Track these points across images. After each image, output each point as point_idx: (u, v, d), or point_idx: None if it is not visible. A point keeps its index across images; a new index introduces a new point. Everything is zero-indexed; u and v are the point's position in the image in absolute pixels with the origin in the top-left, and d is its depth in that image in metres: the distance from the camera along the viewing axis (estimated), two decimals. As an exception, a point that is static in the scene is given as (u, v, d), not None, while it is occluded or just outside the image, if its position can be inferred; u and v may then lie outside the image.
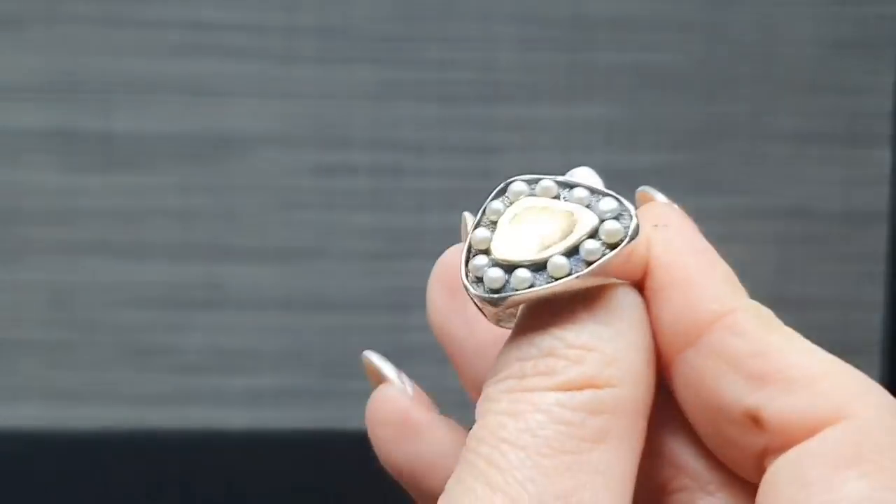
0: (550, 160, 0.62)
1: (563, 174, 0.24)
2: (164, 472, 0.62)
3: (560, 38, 0.61)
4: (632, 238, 0.22)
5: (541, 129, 0.62)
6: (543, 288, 0.22)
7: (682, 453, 0.24)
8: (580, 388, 0.22)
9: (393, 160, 0.62)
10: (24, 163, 0.61)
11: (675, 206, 0.25)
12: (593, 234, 0.22)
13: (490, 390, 0.22)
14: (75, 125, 0.61)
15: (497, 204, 0.23)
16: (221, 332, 0.63)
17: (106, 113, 0.61)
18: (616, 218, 0.22)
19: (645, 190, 0.26)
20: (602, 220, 0.22)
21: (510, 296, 0.22)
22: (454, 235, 0.70)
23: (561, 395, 0.21)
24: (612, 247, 0.22)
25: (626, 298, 0.23)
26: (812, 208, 0.63)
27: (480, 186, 0.63)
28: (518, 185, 0.23)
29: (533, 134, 0.62)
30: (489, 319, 0.23)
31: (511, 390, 0.22)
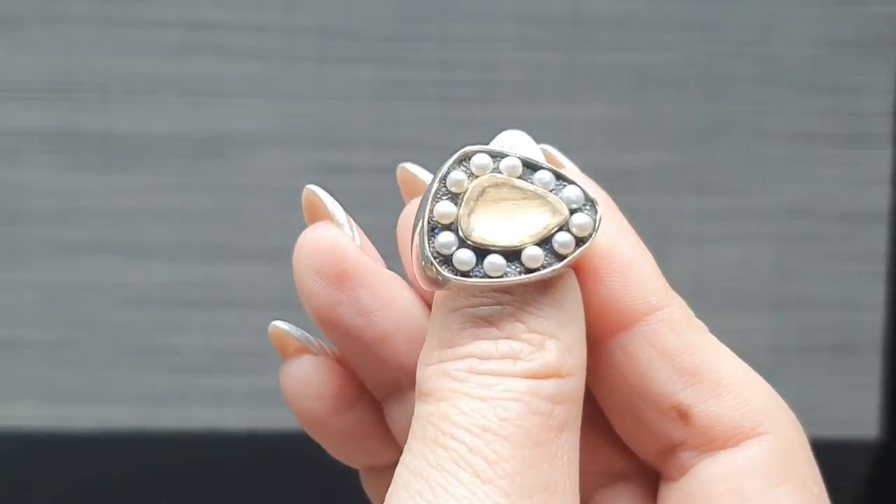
0: (550, 160, 0.62)
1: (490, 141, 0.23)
2: (164, 472, 0.62)
3: (560, 38, 0.61)
4: (599, 232, 0.22)
5: (541, 129, 0.62)
6: (517, 279, 0.21)
7: (590, 439, 0.24)
8: (546, 376, 0.22)
9: (393, 160, 0.62)
10: (24, 163, 0.61)
11: (592, 181, 0.26)
12: (563, 226, 0.22)
13: (449, 366, 0.22)
14: (75, 125, 0.61)
15: (458, 174, 0.22)
16: (221, 332, 0.62)
17: (106, 113, 0.61)
18: (581, 209, 0.22)
19: (548, 150, 0.26)
20: (571, 212, 0.22)
21: (482, 282, 0.21)
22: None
23: (531, 384, 0.22)
24: (581, 240, 0.22)
25: (573, 284, 0.23)
26: (812, 208, 0.63)
27: (480, 186, 0.63)
28: (482, 158, 0.23)
29: (533, 134, 0.62)
30: (425, 286, 0.23)
31: (476, 371, 0.22)
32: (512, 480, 0.21)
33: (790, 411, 0.24)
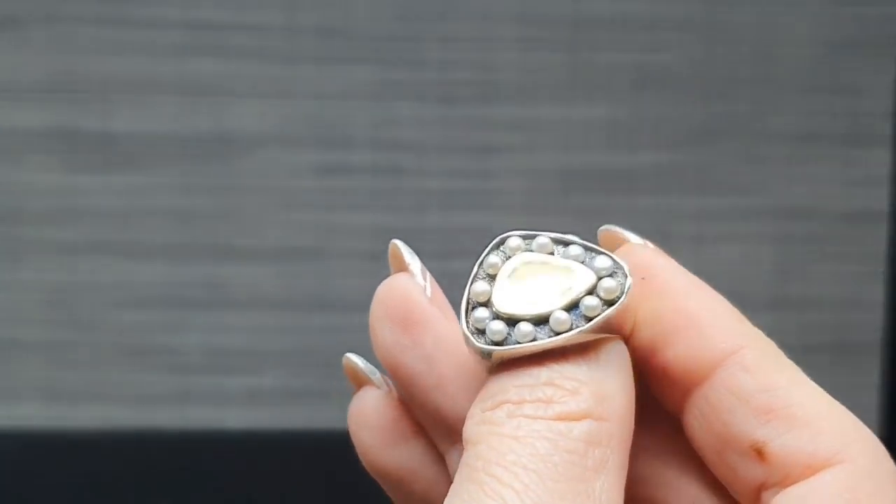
0: (550, 160, 0.62)
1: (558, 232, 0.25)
2: (164, 472, 0.62)
3: (560, 38, 0.61)
4: (628, 295, 0.23)
5: (541, 129, 0.62)
6: (546, 342, 0.23)
7: (684, 484, 0.25)
8: (578, 419, 0.23)
9: (393, 160, 0.62)
10: (24, 163, 0.61)
11: (651, 244, 0.26)
12: (591, 291, 0.24)
13: (488, 414, 0.23)
14: (75, 125, 0.61)
15: (493, 258, 0.25)
16: (221, 332, 0.63)
17: (106, 113, 0.61)
18: (611, 275, 0.24)
19: (610, 230, 0.27)
20: (599, 278, 0.24)
21: (513, 349, 0.23)
22: (454, 235, 0.70)
23: (562, 425, 0.23)
24: (610, 303, 0.23)
25: (616, 348, 0.24)
26: (812, 208, 0.63)
27: (480, 186, 0.63)
28: (514, 241, 0.25)
29: (533, 134, 0.62)
30: (474, 360, 0.24)
31: (512, 415, 0.23)
32: None
33: (876, 440, 0.24)
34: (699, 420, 0.25)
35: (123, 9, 0.60)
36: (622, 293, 0.23)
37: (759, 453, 0.24)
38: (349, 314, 0.62)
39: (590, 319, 0.23)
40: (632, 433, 0.24)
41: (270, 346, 0.63)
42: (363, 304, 0.69)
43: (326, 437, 0.63)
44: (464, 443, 0.23)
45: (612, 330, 0.24)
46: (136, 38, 0.60)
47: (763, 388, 0.24)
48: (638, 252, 0.26)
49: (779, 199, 0.63)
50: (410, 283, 0.26)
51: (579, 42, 0.61)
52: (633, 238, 0.27)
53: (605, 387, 0.23)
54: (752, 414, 0.24)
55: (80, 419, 0.62)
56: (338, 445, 0.63)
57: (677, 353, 0.25)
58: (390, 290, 0.27)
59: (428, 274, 0.27)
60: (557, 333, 0.23)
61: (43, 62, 0.60)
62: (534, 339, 0.23)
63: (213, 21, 0.60)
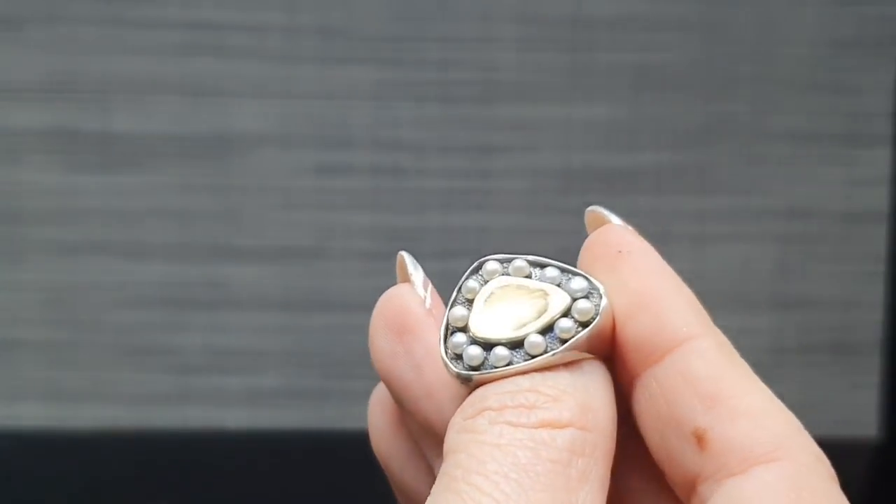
0: (550, 160, 0.62)
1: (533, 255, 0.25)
2: (164, 472, 0.62)
3: (560, 38, 0.61)
4: (602, 316, 0.24)
5: (541, 129, 0.62)
6: (521, 365, 0.23)
7: (631, 478, 0.25)
8: (561, 427, 0.23)
9: (393, 160, 0.62)
10: (24, 163, 0.61)
11: (632, 228, 0.26)
12: (566, 313, 0.24)
13: (469, 422, 0.23)
14: (75, 125, 0.61)
15: (472, 283, 0.25)
16: (221, 332, 0.62)
17: (106, 113, 0.61)
18: (587, 297, 0.24)
19: (596, 210, 0.27)
20: (574, 299, 0.24)
21: (489, 374, 0.23)
22: (454, 235, 0.70)
23: (545, 433, 0.22)
24: (585, 324, 0.24)
25: (596, 367, 0.24)
26: (812, 208, 0.63)
27: (480, 186, 0.63)
28: (491, 265, 0.25)
29: (533, 134, 0.62)
30: (455, 386, 0.25)
31: (493, 422, 0.23)
32: None
33: (812, 441, 0.24)
34: (647, 401, 0.24)
35: (123, 9, 0.60)
36: (596, 314, 0.24)
37: (699, 440, 0.23)
38: (349, 314, 0.62)
39: (565, 342, 0.23)
40: (614, 448, 0.23)
41: (270, 346, 0.63)
42: (363, 304, 0.69)
43: (326, 437, 0.63)
44: (444, 453, 0.23)
45: (589, 350, 0.24)
46: (136, 38, 0.60)
47: (712, 375, 0.24)
48: (618, 230, 0.26)
49: (779, 199, 0.63)
50: (409, 293, 0.27)
51: (579, 42, 0.61)
52: (614, 220, 0.27)
53: (589, 397, 0.23)
54: (697, 398, 0.24)
55: (80, 419, 0.62)
56: (338, 445, 0.63)
57: (636, 330, 0.24)
58: (389, 300, 0.27)
59: (430, 286, 0.27)
60: (532, 356, 0.23)
61: (43, 62, 0.60)
62: (509, 363, 0.23)
63: (213, 21, 0.60)
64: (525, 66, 0.61)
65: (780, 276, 0.63)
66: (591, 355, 0.24)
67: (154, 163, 0.61)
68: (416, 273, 0.27)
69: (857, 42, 0.62)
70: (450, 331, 0.24)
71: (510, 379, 0.23)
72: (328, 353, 0.63)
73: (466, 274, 0.25)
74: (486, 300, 0.24)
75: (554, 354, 0.23)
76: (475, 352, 0.23)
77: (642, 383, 0.24)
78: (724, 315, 0.67)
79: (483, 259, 0.25)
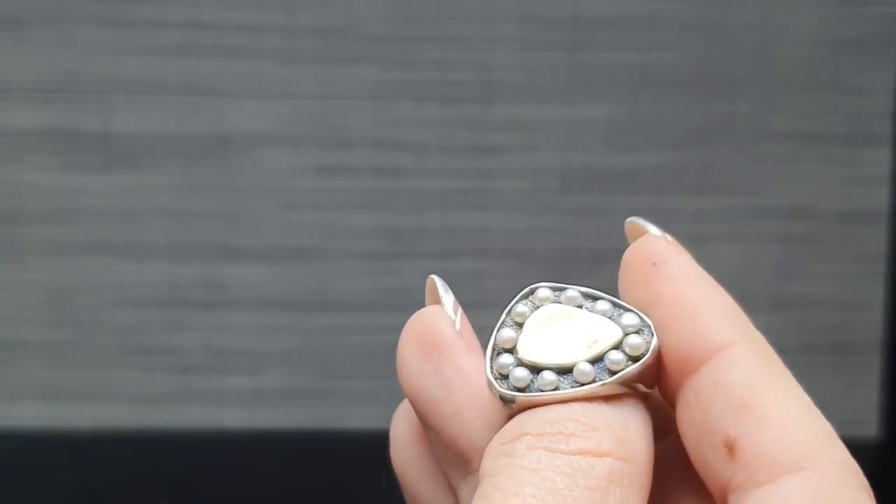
0: (550, 160, 0.62)
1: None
2: (164, 472, 0.62)
3: (560, 38, 0.61)
4: (652, 353, 0.24)
5: (541, 129, 0.62)
6: (569, 392, 0.23)
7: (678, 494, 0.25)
8: (599, 456, 0.23)
9: (393, 160, 0.62)
10: (24, 163, 0.61)
11: (670, 237, 0.26)
12: (617, 346, 0.24)
13: (507, 447, 0.23)
14: (75, 125, 0.61)
15: (522, 307, 0.25)
16: (221, 332, 0.62)
17: (106, 113, 0.61)
18: (638, 332, 0.24)
19: (635, 222, 0.27)
20: (626, 334, 0.24)
21: (535, 396, 0.23)
22: (454, 235, 0.70)
23: (584, 460, 0.22)
24: (635, 359, 0.24)
25: (635, 403, 0.24)
26: (812, 208, 0.63)
27: (480, 186, 0.63)
28: (543, 292, 0.25)
29: (533, 134, 0.62)
30: (499, 407, 0.25)
31: (532, 447, 0.23)
32: None
33: (843, 450, 0.24)
34: (686, 412, 0.24)
35: (123, 9, 0.60)
36: (647, 350, 0.24)
37: (730, 449, 0.23)
38: (349, 314, 0.62)
39: (614, 373, 0.23)
40: (650, 483, 0.23)
41: (270, 346, 0.63)
42: (363, 304, 0.69)
43: (326, 437, 0.63)
44: (480, 477, 0.23)
45: (635, 386, 0.24)
46: (136, 38, 0.60)
47: (744, 383, 0.24)
48: (654, 241, 0.26)
49: (779, 199, 0.63)
50: (440, 313, 0.27)
51: (579, 42, 0.61)
52: (652, 230, 0.27)
53: (627, 431, 0.23)
54: (729, 407, 0.23)
55: (80, 419, 0.62)
56: (338, 445, 0.63)
57: (673, 340, 0.24)
58: (419, 318, 0.27)
59: (460, 310, 0.27)
60: (581, 384, 0.23)
61: (43, 62, 0.60)
62: (556, 388, 0.23)
63: (213, 21, 0.60)
64: (525, 66, 0.61)
65: (780, 276, 0.63)
66: (633, 391, 0.24)
67: (154, 163, 0.61)
68: (447, 296, 0.27)
69: (857, 42, 0.62)
70: (496, 351, 0.24)
71: (550, 407, 0.23)
72: (328, 353, 0.63)
73: (517, 298, 0.25)
74: (536, 325, 0.24)
75: (603, 384, 0.23)
76: (522, 374, 0.24)
77: (682, 395, 0.24)
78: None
79: (535, 285, 0.25)
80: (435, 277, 0.28)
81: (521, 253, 0.61)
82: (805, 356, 0.62)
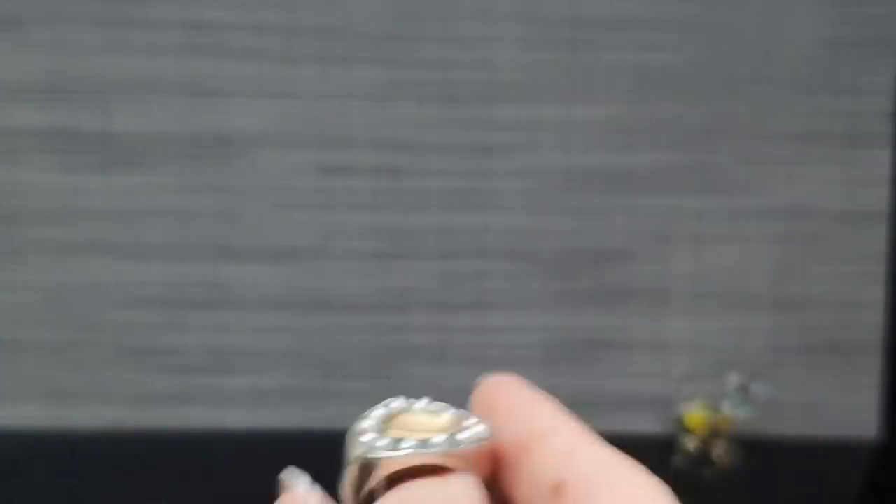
0: (551, 160, 0.62)
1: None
2: (164, 472, 0.63)
3: (560, 38, 0.61)
4: (489, 439, 0.27)
5: (541, 129, 0.62)
6: (408, 453, 0.26)
7: None
8: None
9: (393, 160, 0.62)
10: (24, 163, 0.61)
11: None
12: (459, 430, 0.27)
13: None
14: (75, 125, 0.61)
15: (378, 409, 0.28)
16: (221, 332, 0.63)
17: (106, 113, 0.61)
18: (477, 422, 0.27)
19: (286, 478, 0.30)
20: (465, 421, 0.27)
21: (396, 454, 0.26)
22: (454, 235, 0.70)
23: None
24: (474, 441, 0.27)
25: (467, 478, 0.26)
26: (812, 208, 0.63)
27: (480, 186, 0.63)
28: (398, 402, 0.28)
29: (533, 134, 0.62)
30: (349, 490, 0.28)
31: None
32: None
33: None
34: (518, 501, 0.26)
35: (123, 9, 0.60)
36: (487, 435, 0.27)
37: (555, 491, 0.25)
38: (349, 314, 0.62)
39: (458, 444, 0.26)
40: None
41: (271, 346, 0.63)
42: (363, 304, 0.69)
43: (326, 437, 0.63)
44: None
45: (469, 463, 0.26)
46: (136, 38, 0.60)
47: (558, 464, 0.26)
48: (485, 387, 0.28)
49: (779, 199, 0.63)
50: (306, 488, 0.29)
51: (579, 42, 0.61)
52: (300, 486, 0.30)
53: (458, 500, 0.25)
54: (547, 490, 0.25)
55: (80, 419, 0.62)
56: (338, 445, 0.63)
57: (502, 440, 0.27)
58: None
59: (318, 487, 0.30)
60: (427, 448, 0.26)
61: (43, 62, 0.60)
62: (410, 452, 0.26)
63: (213, 21, 0.60)
64: (525, 66, 0.61)
65: (780, 276, 0.63)
66: (468, 468, 0.27)
67: (154, 163, 0.61)
68: (301, 480, 0.30)
69: (857, 42, 0.62)
70: (357, 435, 0.27)
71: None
72: (328, 353, 0.63)
73: (373, 409, 0.28)
74: (390, 420, 0.28)
75: (446, 450, 0.26)
76: (383, 442, 0.26)
77: (516, 485, 0.26)
78: (723, 315, 0.68)
79: (389, 399, 0.29)
80: (290, 471, 0.31)
81: (522, 253, 0.61)
82: (805, 356, 0.62)
